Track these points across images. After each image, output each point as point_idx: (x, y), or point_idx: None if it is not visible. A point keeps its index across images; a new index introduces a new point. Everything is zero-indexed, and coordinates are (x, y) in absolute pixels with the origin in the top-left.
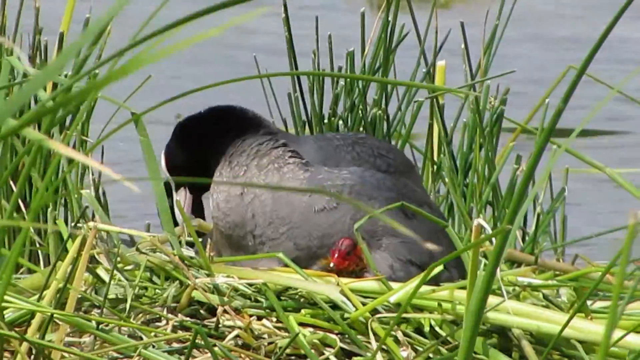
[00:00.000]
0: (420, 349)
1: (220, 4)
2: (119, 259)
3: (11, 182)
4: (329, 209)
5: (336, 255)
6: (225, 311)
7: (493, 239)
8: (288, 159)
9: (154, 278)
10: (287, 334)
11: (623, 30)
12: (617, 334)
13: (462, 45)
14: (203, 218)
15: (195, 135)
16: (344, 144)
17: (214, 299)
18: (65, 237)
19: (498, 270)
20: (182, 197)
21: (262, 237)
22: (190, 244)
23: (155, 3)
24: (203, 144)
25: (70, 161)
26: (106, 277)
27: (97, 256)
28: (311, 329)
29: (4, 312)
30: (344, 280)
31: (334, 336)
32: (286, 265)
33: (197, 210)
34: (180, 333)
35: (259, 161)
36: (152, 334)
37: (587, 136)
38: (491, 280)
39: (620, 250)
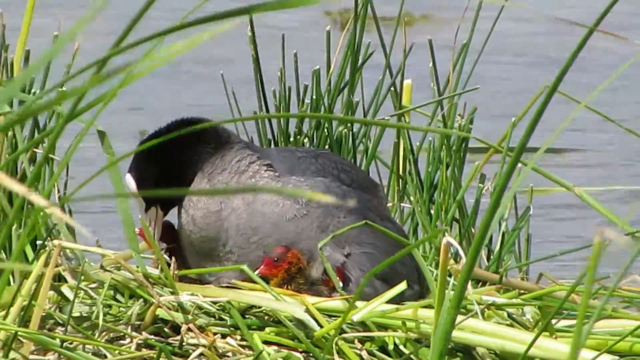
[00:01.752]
0: None
1: (192, 21)
2: (83, 277)
3: None
4: (298, 217)
5: (262, 264)
6: (189, 329)
7: (463, 257)
8: (264, 173)
9: (118, 296)
10: (251, 352)
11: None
12: (584, 353)
13: (430, 64)
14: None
15: (164, 149)
16: (307, 156)
17: (178, 316)
18: (30, 255)
19: (469, 287)
20: (153, 217)
21: (232, 247)
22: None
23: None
24: (172, 157)
25: (37, 177)
26: (70, 295)
27: (63, 273)
28: (275, 347)
29: None
30: (310, 299)
31: (298, 354)
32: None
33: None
34: (144, 351)
35: (239, 178)
36: (117, 352)
37: (556, 153)
38: (461, 299)
39: (586, 268)
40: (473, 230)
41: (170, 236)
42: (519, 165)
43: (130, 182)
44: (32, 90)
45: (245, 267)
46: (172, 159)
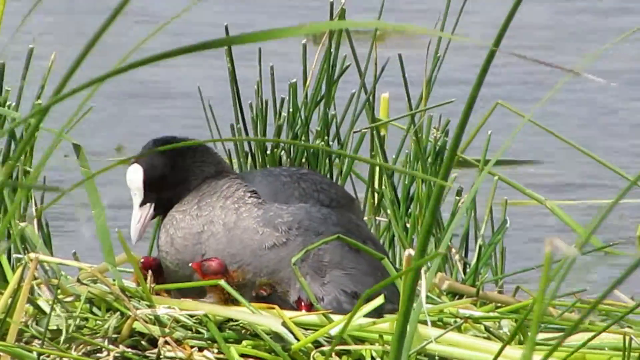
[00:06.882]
0: None
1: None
2: (59, 290)
3: None
4: (278, 245)
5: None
6: (166, 342)
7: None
8: (247, 200)
9: (95, 309)
10: None
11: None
12: None
13: (404, 77)
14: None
15: (176, 155)
16: (291, 180)
17: (155, 330)
18: (6, 269)
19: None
20: (145, 213)
21: None
22: None
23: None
24: (181, 164)
25: (15, 191)
26: (47, 308)
27: (37, 287)
28: None
29: None
30: (287, 313)
31: None
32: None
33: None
34: None
35: (224, 202)
36: None
37: (532, 164)
38: (410, 307)
39: (540, 279)
40: (450, 244)
41: (160, 274)
42: (495, 177)
43: (137, 170)
44: (8, 103)
45: (222, 282)
46: (180, 166)
